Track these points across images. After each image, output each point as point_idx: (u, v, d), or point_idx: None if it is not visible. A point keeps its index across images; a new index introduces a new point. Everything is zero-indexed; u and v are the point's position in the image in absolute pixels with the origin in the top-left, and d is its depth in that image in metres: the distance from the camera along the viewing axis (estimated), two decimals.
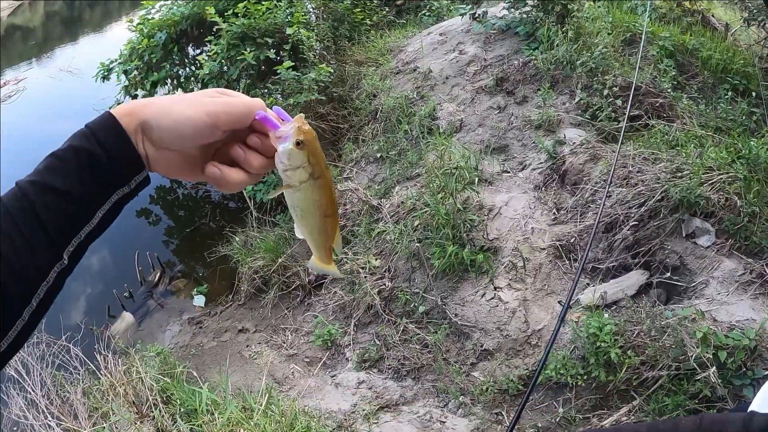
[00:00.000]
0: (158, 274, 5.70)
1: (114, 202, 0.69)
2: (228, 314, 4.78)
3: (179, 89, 6.51)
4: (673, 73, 4.86)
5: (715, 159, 3.69)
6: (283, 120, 0.73)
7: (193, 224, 6.25)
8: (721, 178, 3.58)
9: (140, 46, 6.07)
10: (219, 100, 0.71)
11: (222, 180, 0.73)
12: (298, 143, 0.71)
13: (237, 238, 5.00)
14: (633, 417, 3.12)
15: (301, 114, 0.74)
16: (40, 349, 4.00)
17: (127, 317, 5.30)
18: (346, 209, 4.30)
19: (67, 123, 8.67)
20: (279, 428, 2.99)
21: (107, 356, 3.99)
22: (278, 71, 5.06)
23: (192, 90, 6.34)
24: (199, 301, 5.23)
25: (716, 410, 2.82)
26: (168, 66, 6.22)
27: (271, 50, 5.43)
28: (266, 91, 5.36)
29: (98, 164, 0.66)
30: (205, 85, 5.67)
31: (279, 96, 5.23)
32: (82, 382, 3.79)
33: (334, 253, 0.88)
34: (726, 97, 4.81)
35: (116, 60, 6.34)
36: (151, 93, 6.22)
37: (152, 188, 6.84)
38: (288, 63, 5.07)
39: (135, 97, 6.32)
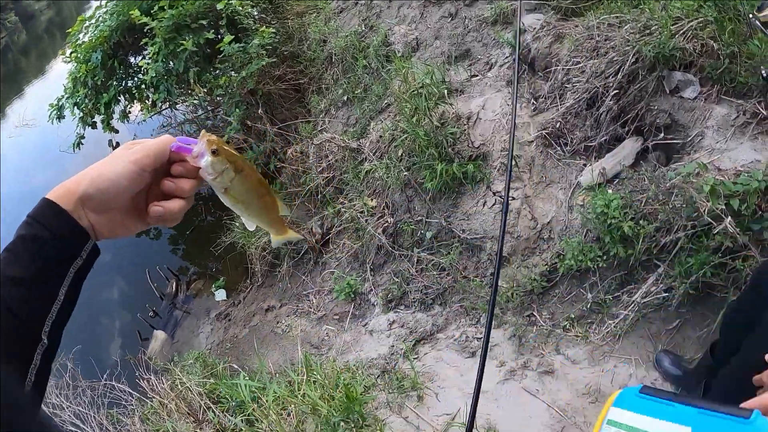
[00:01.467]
0: (174, 284, 5.72)
1: (72, 277, 0.75)
2: (251, 298, 4.80)
3: (134, 101, 6.34)
4: None
5: (681, 8, 3.52)
6: (191, 144, 0.83)
7: (192, 225, 6.22)
8: (692, 25, 3.41)
9: (80, 73, 5.88)
10: (135, 148, 0.79)
11: (166, 213, 0.81)
12: (213, 152, 0.81)
13: (236, 223, 4.96)
14: (661, 285, 3.10)
15: (203, 130, 0.86)
16: (87, 396, 4.06)
17: (159, 335, 5.35)
18: (329, 161, 4.23)
19: (45, 174, 8.48)
20: (325, 392, 3.02)
21: (150, 378, 4.03)
22: (222, 49, 4.90)
23: (147, 97, 6.21)
24: (221, 295, 5.26)
25: (741, 260, 2.77)
26: (115, 83, 6.04)
27: (209, 31, 5.24)
28: (218, 71, 5.21)
29: (45, 245, 0.72)
30: (156, 88, 5.51)
31: (232, 73, 5.08)
32: (137, 411, 3.85)
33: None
34: None
35: (63, 96, 6.16)
36: (107, 115, 6.04)
37: None
38: (228, 37, 4.90)
39: (94, 125, 6.15)
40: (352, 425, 2.67)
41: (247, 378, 3.24)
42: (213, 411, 3.49)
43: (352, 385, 2.85)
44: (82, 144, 6.13)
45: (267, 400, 2.94)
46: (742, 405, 1.62)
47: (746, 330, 2.00)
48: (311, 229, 4.29)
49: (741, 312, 2.19)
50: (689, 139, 3.32)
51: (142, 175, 0.78)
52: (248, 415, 3.06)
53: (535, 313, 3.17)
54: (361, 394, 2.80)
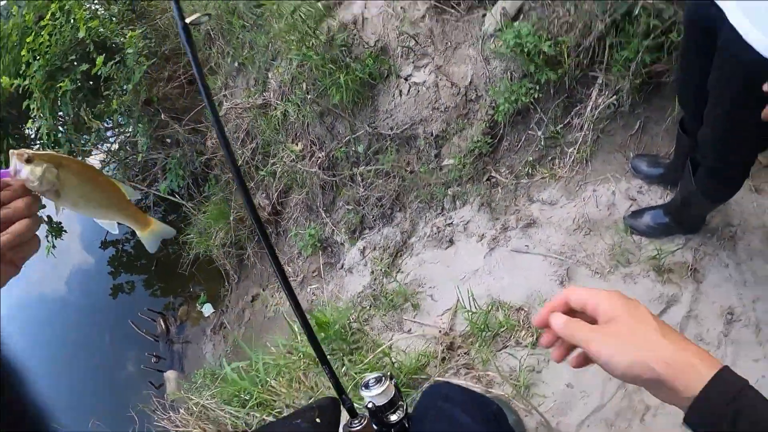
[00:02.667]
0: (162, 322, 5.54)
1: None
2: (235, 298, 4.66)
3: None
4: None
5: None
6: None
7: (154, 262, 6.01)
8: None
9: None
10: None
11: (14, 237, 0.78)
12: (27, 161, 0.80)
13: (191, 235, 4.76)
14: (607, 92, 2.93)
15: (10, 150, 0.83)
16: None
17: (170, 375, 5.19)
18: (245, 129, 4.00)
19: (15, 290, 8.23)
20: (327, 335, 2.84)
21: (170, 415, 3.88)
22: (100, 74, 4.64)
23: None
24: (208, 309, 5.11)
25: (675, 32, 2.58)
26: None
27: (83, 65, 4.96)
28: (110, 95, 4.94)
29: None
30: (57, 143, 5.23)
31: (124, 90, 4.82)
32: None
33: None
34: None
35: None
36: None
37: (104, 264, 6.57)
38: (100, 59, 4.63)
39: None
40: (341, 354, 2.49)
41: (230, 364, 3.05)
42: (235, 416, 3.34)
43: (320, 312, 2.66)
44: None
45: (260, 371, 2.75)
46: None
47: (701, 82, 1.82)
48: (258, 204, 4.08)
49: (688, 68, 2.01)
50: None
51: None
52: (255, 400, 2.88)
53: (493, 174, 2.99)
54: (326, 320, 2.60)
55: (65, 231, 6.17)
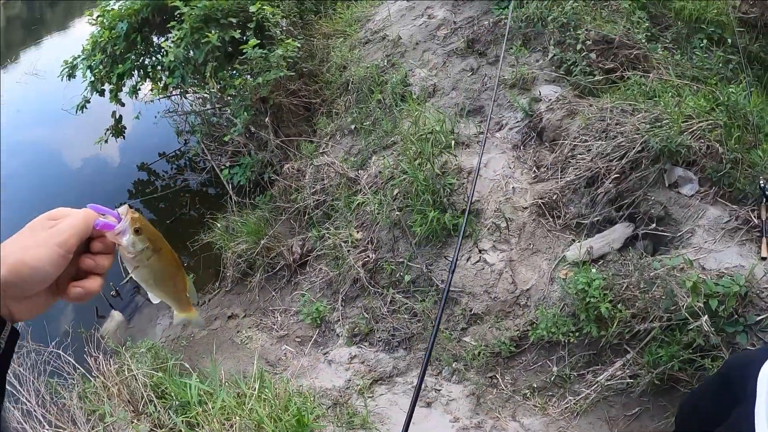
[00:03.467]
0: None
1: None
2: (216, 302, 4.71)
3: (147, 80, 6.33)
4: (647, 24, 4.76)
5: (694, 107, 3.63)
6: (106, 215, 0.81)
7: (173, 215, 6.12)
8: (701, 126, 3.51)
9: (102, 39, 5.85)
10: (60, 228, 0.75)
11: (87, 294, 0.79)
12: (136, 231, 0.82)
13: (218, 224, 4.90)
14: (628, 370, 3.12)
15: (125, 204, 0.85)
16: (30, 359, 3.92)
17: (116, 316, 5.19)
18: (324, 184, 4.23)
19: (43, 128, 8.40)
20: (273, 412, 2.95)
21: (98, 357, 3.91)
22: (245, 51, 4.93)
23: (161, 79, 6.20)
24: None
25: (710, 359, 2.80)
26: (133, 56, 6.02)
27: (236, 30, 5.28)
28: (235, 72, 5.24)
29: None
30: (172, 72, 5.52)
31: (248, 76, 5.11)
32: (77, 386, 3.72)
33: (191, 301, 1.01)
34: (701, 46, 4.71)
35: (79, 56, 6.14)
36: (117, 86, 6.03)
37: (130, 182, 6.75)
38: (253, 41, 4.93)
39: (102, 92, 6.13)
40: None
41: (198, 380, 3.14)
42: (155, 405, 3.39)
43: (305, 410, 2.78)
44: (86, 108, 6.06)
45: (213, 407, 2.85)
46: None
47: (708, 423, 1.98)
48: (291, 247, 4.25)
49: (699, 407, 2.17)
50: (679, 233, 3.38)
51: (66, 256, 0.74)
52: (191, 418, 2.97)
53: (498, 376, 3.15)
54: (312, 422, 2.74)
55: (124, 133, 6.39)
